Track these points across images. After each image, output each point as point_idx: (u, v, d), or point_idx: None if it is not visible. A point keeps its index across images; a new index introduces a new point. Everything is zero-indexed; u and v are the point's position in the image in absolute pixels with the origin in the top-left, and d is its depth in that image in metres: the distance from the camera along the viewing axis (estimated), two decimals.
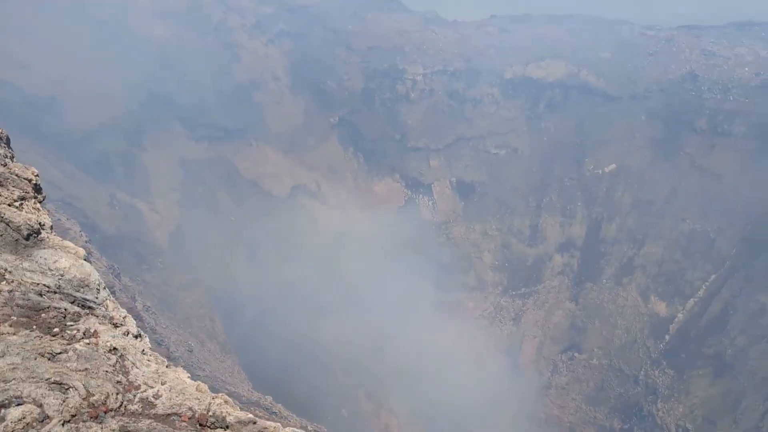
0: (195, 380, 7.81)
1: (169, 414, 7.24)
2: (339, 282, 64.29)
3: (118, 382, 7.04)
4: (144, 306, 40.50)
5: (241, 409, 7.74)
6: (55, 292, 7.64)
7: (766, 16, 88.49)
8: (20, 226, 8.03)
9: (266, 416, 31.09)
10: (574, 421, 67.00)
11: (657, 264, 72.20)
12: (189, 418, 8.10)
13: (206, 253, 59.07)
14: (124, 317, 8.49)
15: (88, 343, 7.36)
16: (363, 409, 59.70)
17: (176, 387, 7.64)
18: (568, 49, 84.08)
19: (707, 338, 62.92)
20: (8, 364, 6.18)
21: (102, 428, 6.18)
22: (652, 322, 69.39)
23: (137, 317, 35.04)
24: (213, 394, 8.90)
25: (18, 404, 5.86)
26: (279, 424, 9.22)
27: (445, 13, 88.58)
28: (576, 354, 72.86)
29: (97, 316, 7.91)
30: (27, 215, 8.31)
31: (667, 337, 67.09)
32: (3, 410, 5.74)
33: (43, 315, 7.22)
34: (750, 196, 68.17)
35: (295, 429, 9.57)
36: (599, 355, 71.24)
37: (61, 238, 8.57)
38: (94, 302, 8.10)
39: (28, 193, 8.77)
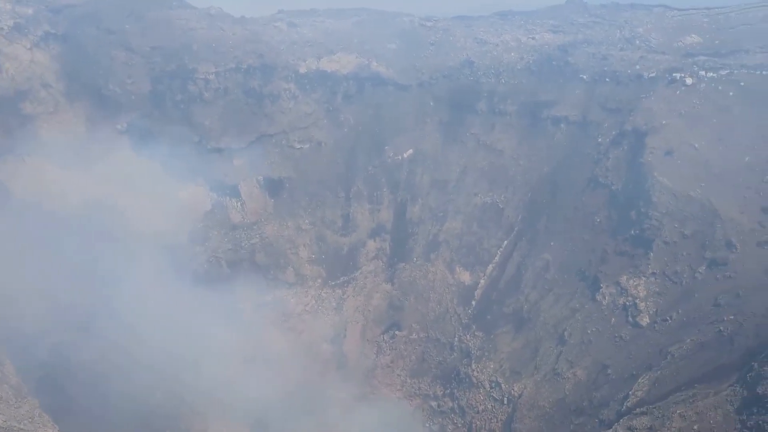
0: None
1: None
2: (150, 301, 60.15)
3: None
4: None
5: None
6: None
7: (523, 5, 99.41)
8: None
9: None
10: (401, 395, 70.45)
11: (458, 237, 78.28)
12: None
13: None
14: None
15: None
16: (192, 427, 57.00)
17: None
18: (356, 41, 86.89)
19: (506, 298, 69.81)
20: None
21: None
22: (460, 291, 75.25)
23: None
24: None
25: None
26: None
27: (231, 9, 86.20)
28: (397, 332, 76.52)
29: None
30: None
31: (473, 302, 73.20)
32: None
33: None
34: (527, 167, 76.71)
35: None
36: (417, 329, 75.60)
37: None
38: None
39: None
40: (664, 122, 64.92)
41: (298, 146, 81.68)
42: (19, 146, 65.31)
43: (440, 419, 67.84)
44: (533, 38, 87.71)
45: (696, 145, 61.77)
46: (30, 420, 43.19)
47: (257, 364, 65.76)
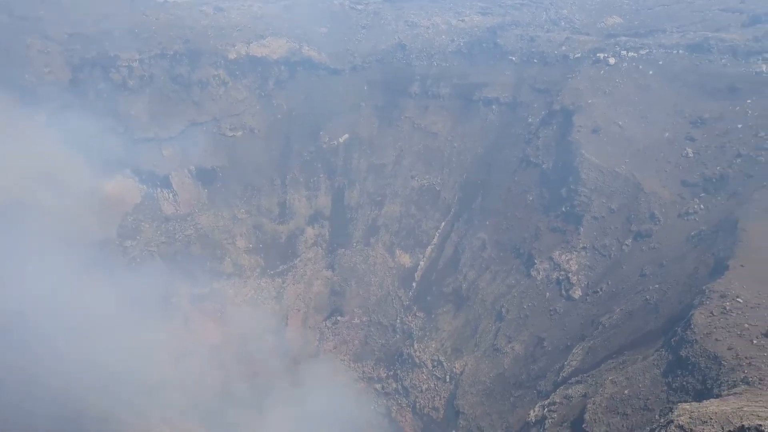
0: None
1: None
2: (77, 299, 57.56)
3: None
4: None
5: None
6: None
7: None
8: None
9: None
10: (345, 381, 70.57)
11: (397, 220, 78.78)
12: None
13: None
14: None
15: None
16: (130, 428, 55.04)
17: None
18: (286, 26, 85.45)
19: (445, 278, 70.89)
20: None
21: None
22: (400, 274, 75.89)
23: None
24: None
25: None
26: None
27: None
28: (339, 317, 76.54)
29: None
30: None
31: (414, 284, 73.99)
32: None
33: None
34: (461, 148, 77.80)
35: None
36: (359, 314, 75.85)
37: None
38: None
39: None
40: (589, 101, 67.07)
41: (231, 134, 79.87)
42: None
43: (385, 401, 68.55)
44: (463, 20, 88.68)
45: (620, 123, 64.16)
46: None
47: (196, 357, 64.40)
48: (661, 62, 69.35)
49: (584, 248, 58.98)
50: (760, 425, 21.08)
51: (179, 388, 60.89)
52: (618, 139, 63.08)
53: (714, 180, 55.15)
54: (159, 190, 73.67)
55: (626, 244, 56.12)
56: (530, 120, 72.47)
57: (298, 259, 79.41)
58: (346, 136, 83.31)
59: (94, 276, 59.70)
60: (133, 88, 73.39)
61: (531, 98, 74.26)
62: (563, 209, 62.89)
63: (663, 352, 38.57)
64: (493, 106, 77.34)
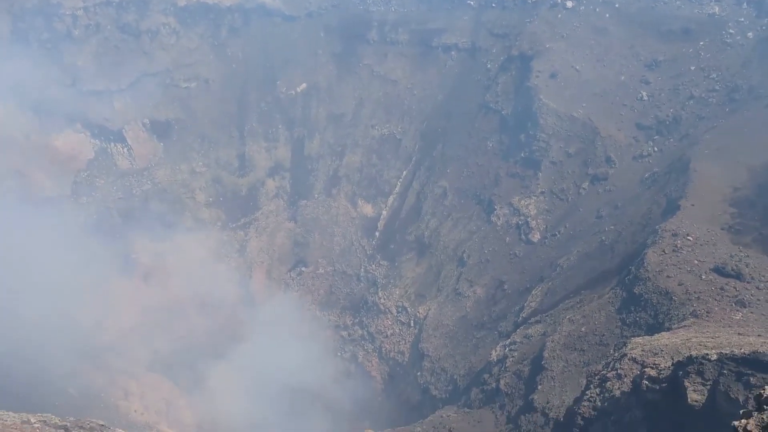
0: None
1: None
2: (42, 256, 56.23)
3: None
4: None
5: None
6: None
7: None
8: None
9: None
10: (311, 329, 71.44)
11: (358, 170, 78.49)
12: None
13: None
14: None
15: None
16: (95, 383, 55.08)
17: None
18: None
19: (408, 226, 71.52)
20: None
21: None
22: (363, 224, 76.16)
23: None
24: None
25: None
26: None
27: None
28: (303, 269, 76.80)
29: None
30: None
31: (377, 233, 74.46)
32: None
33: None
34: (421, 96, 77.30)
35: None
36: (324, 264, 76.19)
37: None
38: None
39: None
40: (547, 46, 67.07)
41: (185, 85, 77.55)
42: None
43: (351, 347, 69.83)
44: None
45: (577, 67, 64.55)
46: None
47: (159, 312, 64.16)
48: (617, 5, 69.47)
49: (542, 193, 60.13)
50: (707, 354, 22.36)
51: (143, 343, 60.90)
52: (575, 83, 63.59)
53: (667, 122, 56.48)
54: (113, 144, 71.56)
55: (583, 188, 57.42)
56: (489, 66, 72.24)
57: (260, 211, 78.84)
58: (304, 85, 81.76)
59: (50, 234, 58.35)
60: (78, 38, 70.23)
61: (490, 44, 73.79)
62: (522, 155, 63.63)
63: (617, 290, 40.14)
64: (452, 53, 76.67)
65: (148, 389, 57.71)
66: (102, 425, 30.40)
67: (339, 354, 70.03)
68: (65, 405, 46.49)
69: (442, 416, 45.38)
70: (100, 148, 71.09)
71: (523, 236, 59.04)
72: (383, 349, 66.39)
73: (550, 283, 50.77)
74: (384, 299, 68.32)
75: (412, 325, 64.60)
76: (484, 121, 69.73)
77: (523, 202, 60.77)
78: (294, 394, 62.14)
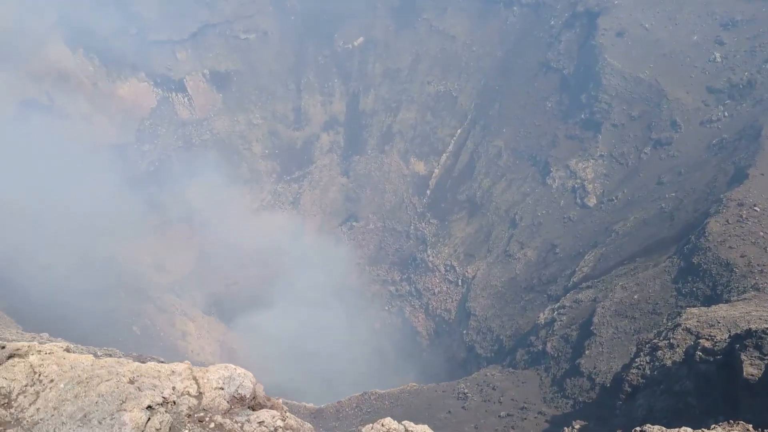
0: None
1: None
2: (109, 201, 58.86)
3: None
4: None
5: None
6: None
7: None
8: None
9: None
10: (361, 282, 72.74)
11: (412, 127, 78.01)
12: None
13: None
14: None
15: None
16: (156, 321, 58.07)
17: None
18: None
19: (460, 186, 71.09)
20: None
21: None
22: (415, 181, 76.11)
23: None
24: None
25: None
26: (34, 343, 8.37)
27: None
28: (354, 223, 77.71)
29: None
30: None
31: (428, 192, 74.35)
32: None
33: None
34: (480, 53, 75.55)
35: (56, 344, 8.78)
36: (374, 219, 76.85)
37: None
38: None
39: None
40: (616, 2, 64.12)
41: (244, 36, 78.07)
42: None
43: (398, 302, 70.87)
44: None
45: (647, 25, 61.59)
46: None
47: (214, 259, 66.43)
48: None
49: (602, 156, 58.50)
50: (767, 328, 21.72)
51: (199, 287, 63.41)
52: (643, 42, 60.80)
53: (740, 86, 53.51)
54: (174, 94, 73.13)
55: (645, 152, 55.52)
56: (552, 23, 69.72)
57: (314, 165, 79.68)
58: (361, 39, 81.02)
59: (115, 179, 60.78)
60: None
61: None
62: (582, 116, 61.80)
63: (675, 259, 39.12)
64: (515, 8, 74.27)
65: (204, 331, 60.40)
66: (162, 362, 32.30)
67: (386, 308, 71.20)
68: (127, 341, 49.29)
69: (486, 374, 45.85)
70: (162, 98, 72.86)
71: (578, 200, 57.87)
72: (430, 306, 67.10)
73: (603, 249, 49.86)
74: (433, 257, 68.66)
75: (459, 284, 64.86)
76: (544, 80, 67.78)
77: (580, 165, 59.33)
78: (341, 345, 63.81)
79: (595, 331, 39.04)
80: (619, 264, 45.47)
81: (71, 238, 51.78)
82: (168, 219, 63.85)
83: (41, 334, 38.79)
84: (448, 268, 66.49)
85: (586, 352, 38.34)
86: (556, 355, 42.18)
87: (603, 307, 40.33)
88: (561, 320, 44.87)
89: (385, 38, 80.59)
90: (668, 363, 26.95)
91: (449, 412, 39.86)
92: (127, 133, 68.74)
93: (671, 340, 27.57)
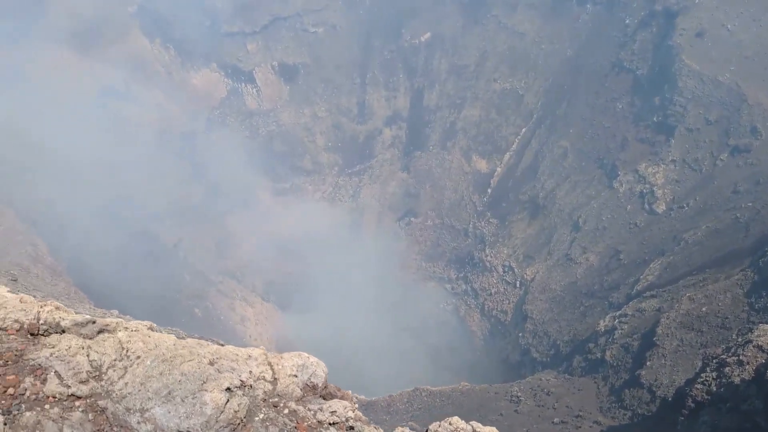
0: None
1: None
2: (173, 187, 61.12)
3: None
4: None
5: None
6: None
7: None
8: None
9: None
10: (416, 278, 72.79)
11: (475, 125, 77.22)
12: (17, 331, 7.52)
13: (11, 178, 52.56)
14: None
15: None
16: (217, 305, 59.96)
17: None
18: None
19: (522, 186, 69.97)
20: None
21: None
22: (476, 179, 75.40)
23: None
24: (42, 302, 8.27)
25: None
26: (121, 320, 8.90)
27: None
28: (412, 219, 77.76)
29: None
30: None
31: (489, 190, 73.53)
32: None
33: None
34: (549, 50, 73.98)
35: (141, 322, 9.30)
36: (432, 216, 76.68)
37: None
38: None
39: None
40: (696, 1, 61.42)
41: (313, 30, 79.19)
42: (29, 32, 64.03)
43: (454, 300, 70.54)
44: None
45: (729, 26, 58.77)
46: (67, 296, 45.59)
47: (278, 248, 67.85)
48: None
49: (673, 161, 56.33)
50: None
51: (258, 274, 64.95)
52: (724, 44, 58.06)
53: None
54: (243, 85, 75.01)
55: (721, 159, 53.10)
56: (627, 21, 67.46)
57: (375, 159, 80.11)
58: (428, 34, 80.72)
59: (184, 165, 62.94)
60: None
61: None
62: (654, 119, 59.65)
63: (748, 272, 37.36)
64: (587, 5, 72.29)
65: (262, 317, 61.90)
66: (221, 344, 33.35)
67: (441, 306, 70.98)
68: (189, 323, 51.09)
69: (540, 379, 45.12)
70: (232, 88, 74.89)
71: (646, 205, 55.96)
72: (486, 306, 66.46)
73: (671, 258, 48.08)
74: (491, 257, 67.95)
75: (517, 285, 63.95)
76: (616, 80, 65.73)
77: (650, 169, 57.33)
78: (393, 339, 64.10)
79: (658, 342, 37.77)
80: (687, 274, 43.78)
81: (142, 224, 54.03)
82: (230, 206, 65.64)
83: (111, 311, 40.77)
84: (506, 268, 65.66)
85: (648, 363, 37.16)
86: (615, 364, 41.07)
87: (668, 318, 38.95)
88: (622, 329, 43.62)
89: (453, 34, 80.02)
90: (736, 380, 25.79)
91: (501, 414, 39.47)
92: (197, 121, 71.07)
93: (741, 357, 26.36)
